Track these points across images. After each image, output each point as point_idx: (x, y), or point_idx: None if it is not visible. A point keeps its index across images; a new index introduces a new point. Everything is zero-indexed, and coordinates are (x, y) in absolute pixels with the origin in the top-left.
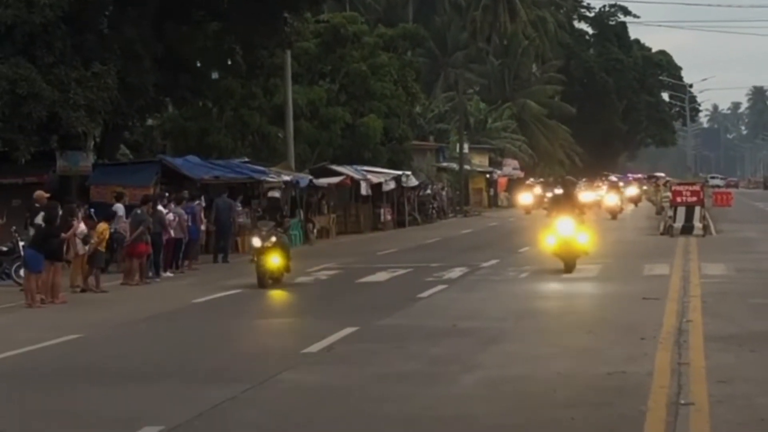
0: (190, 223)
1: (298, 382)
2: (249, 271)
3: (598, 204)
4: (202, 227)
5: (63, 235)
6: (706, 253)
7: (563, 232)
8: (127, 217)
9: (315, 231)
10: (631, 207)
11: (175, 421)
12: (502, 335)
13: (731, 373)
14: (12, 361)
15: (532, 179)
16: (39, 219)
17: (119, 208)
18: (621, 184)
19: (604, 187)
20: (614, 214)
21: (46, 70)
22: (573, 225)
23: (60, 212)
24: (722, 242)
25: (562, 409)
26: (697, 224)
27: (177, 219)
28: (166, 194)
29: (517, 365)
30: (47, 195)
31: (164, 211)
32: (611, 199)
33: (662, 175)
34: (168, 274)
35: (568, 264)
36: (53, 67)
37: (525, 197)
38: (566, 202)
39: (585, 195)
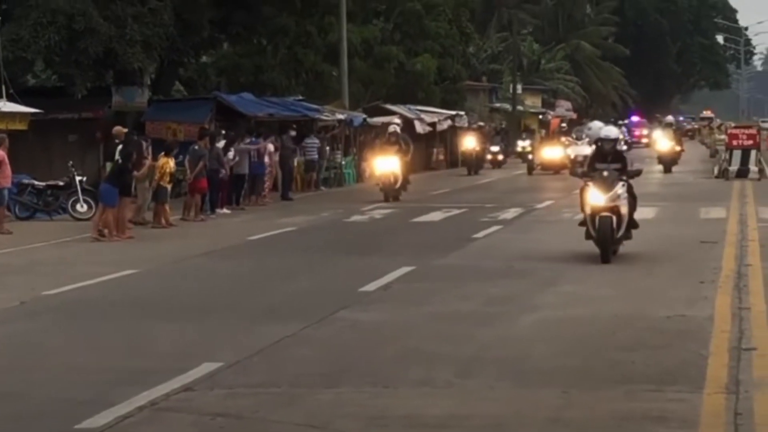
0: (255, 159)
1: (355, 320)
2: (305, 208)
3: None
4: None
5: (135, 173)
6: (763, 197)
7: None
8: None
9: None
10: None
11: (234, 357)
12: (560, 277)
13: None
14: (73, 294)
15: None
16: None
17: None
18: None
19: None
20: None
21: (103, 5)
22: None
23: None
24: None
25: (622, 351)
26: (753, 168)
27: (237, 156)
28: (223, 131)
29: (575, 307)
30: (125, 130)
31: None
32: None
33: (711, 115)
34: (224, 210)
35: None
36: (110, 3)
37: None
38: None
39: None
